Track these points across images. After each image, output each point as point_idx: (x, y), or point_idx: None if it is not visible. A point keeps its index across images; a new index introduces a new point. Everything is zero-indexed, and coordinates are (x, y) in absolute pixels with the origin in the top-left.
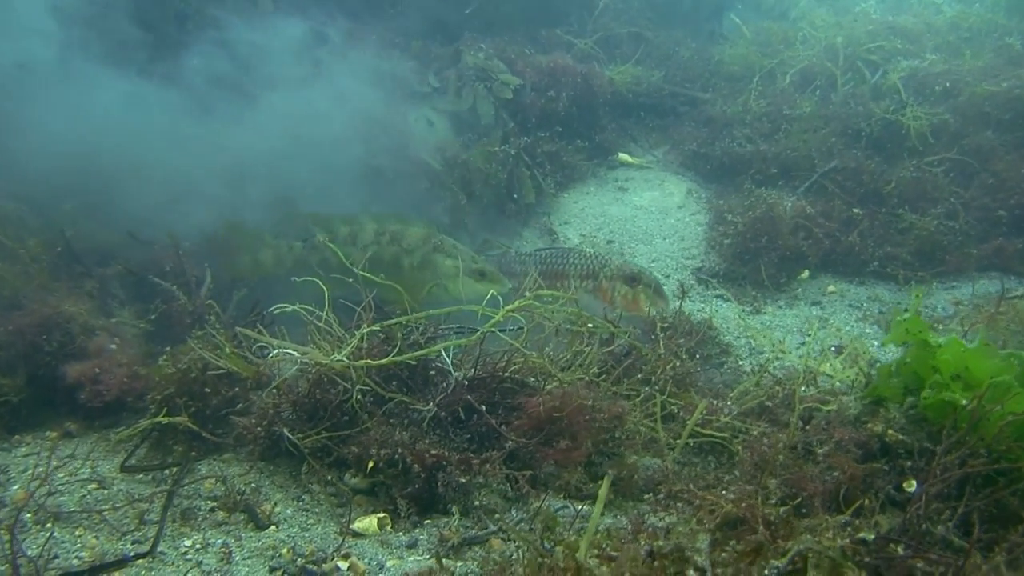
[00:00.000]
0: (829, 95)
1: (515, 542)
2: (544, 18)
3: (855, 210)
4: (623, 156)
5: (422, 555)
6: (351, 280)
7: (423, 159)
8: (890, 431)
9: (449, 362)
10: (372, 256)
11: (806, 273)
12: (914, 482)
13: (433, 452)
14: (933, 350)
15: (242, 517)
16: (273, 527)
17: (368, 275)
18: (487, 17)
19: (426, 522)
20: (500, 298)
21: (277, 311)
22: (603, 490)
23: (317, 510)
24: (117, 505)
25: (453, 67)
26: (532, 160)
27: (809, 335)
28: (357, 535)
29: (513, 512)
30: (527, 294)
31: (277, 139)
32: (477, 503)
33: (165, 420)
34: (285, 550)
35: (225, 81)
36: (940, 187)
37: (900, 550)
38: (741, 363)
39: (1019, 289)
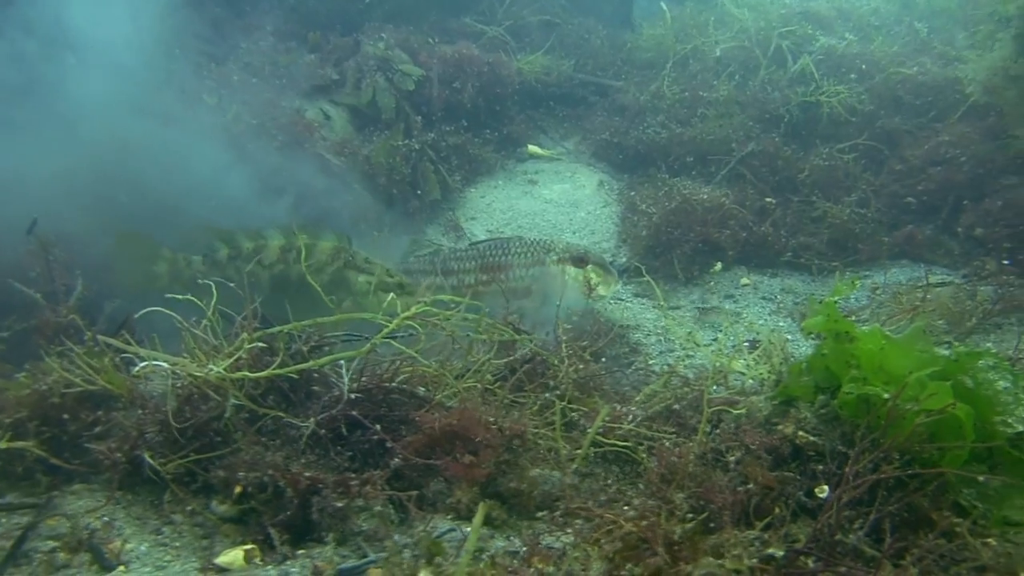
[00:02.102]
0: (746, 80)
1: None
2: (453, 6)
3: (768, 199)
4: (533, 148)
5: None
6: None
7: (320, 155)
8: (801, 433)
9: (341, 373)
10: (279, 275)
11: (719, 266)
12: (826, 487)
13: (308, 474)
14: (850, 343)
15: (86, 558)
16: (121, 568)
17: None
18: (392, 6)
19: (299, 552)
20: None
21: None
22: (477, 519)
23: (178, 544)
24: None
25: (352, 58)
26: (437, 154)
27: (721, 331)
28: (221, 571)
29: (396, 537)
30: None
31: (154, 137)
32: (357, 529)
33: (5, 445)
34: None
35: (95, 72)
36: (852, 175)
37: (811, 563)
38: (651, 363)
39: (931, 277)
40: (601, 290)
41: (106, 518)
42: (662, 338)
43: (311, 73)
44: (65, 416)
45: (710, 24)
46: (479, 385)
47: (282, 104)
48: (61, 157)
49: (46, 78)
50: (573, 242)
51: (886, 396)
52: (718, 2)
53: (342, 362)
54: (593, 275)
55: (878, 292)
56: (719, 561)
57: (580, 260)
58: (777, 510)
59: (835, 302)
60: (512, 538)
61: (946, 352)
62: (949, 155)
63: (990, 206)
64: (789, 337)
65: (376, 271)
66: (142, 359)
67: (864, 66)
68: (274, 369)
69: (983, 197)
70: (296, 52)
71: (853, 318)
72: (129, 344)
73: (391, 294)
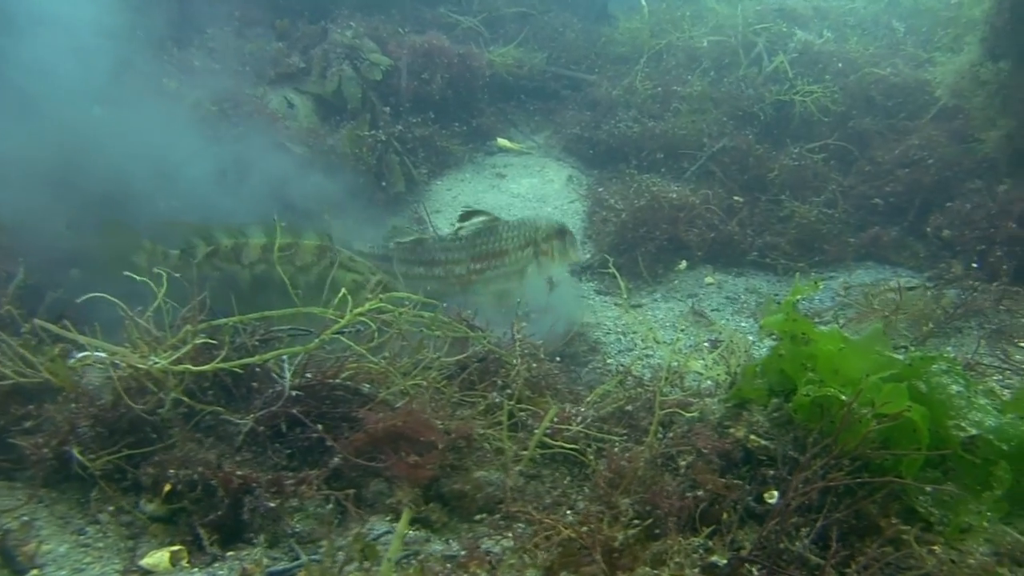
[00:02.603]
0: (721, 77)
1: None
2: None
3: (736, 198)
4: (502, 141)
5: None
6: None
7: (282, 144)
8: (752, 436)
9: (285, 368)
10: (260, 275)
11: (684, 264)
12: (776, 493)
13: (240, 473)
14: (807, 344)
15: None
16: (35, 572)
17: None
18: None
19: (228, 554)
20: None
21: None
22: (401, 524)
23: (101, 545)
24: None
25: (319, 46)
26: (403, 146)
27: (682, 329)
28: (145, 573)
29: (332, 539)
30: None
31: (108, 121)
32: (291, 530)
33: None
34: None
35: (48, 52)
36: (821, 175)
37: (755, 571)
38: (609, 362)
39: (895, 279)
40: (572, 256)
41: (25, 517)
42: (622, 336)
43: (277, 61)
44: None
45: (685, 19)
46: (427, 383)
47: (245, 91)
48: (5, 140)
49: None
50: (543, 215)
51: (844, 398)
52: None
53: (285, 357)
54: (569, 245)
55: (842, 294)
56: (656, 571)
57: (561, 232)
58: (725, 516)
59: (795, 301)
60: (451, 542)
61: (901, 356)
62: (917, 157)
63: (960, 208)
64: (751, 338)
65: (362, 269)
66: (81, 348)
67: (840, 64)
68: (217, 363)
69: (949, 200)
70: (263, 39)
71: (816, 320)
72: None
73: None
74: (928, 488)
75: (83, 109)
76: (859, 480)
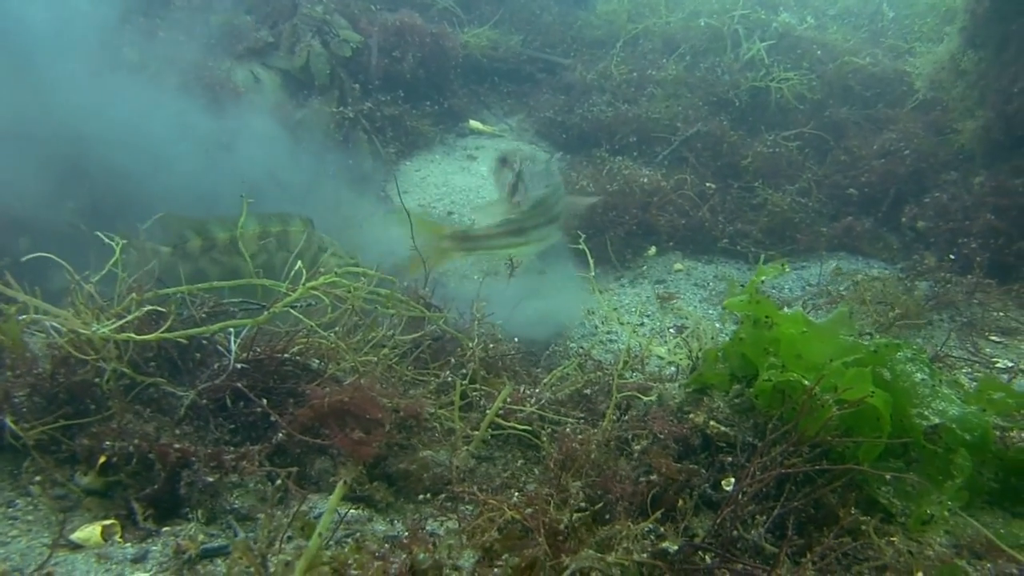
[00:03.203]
0: (696, 63)
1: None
2: None
3: (708, 184)
4: (474, 123)
5: (150, 571)
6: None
7: (245, 119)
8: (712, 422)
9: (231, 341)
10: (262, 265)
11: (653, 250)
12: (732, 480)
13: (177, 446)
14: (770, 329)
15: None
16: None
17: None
18: None
19: (164, 529)
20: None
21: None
22: (334, 499)
23: (31, 518)
24: None
25: (288, 20)
26: (372, 124)
27: (644, 316)
28: (75, 547)
29: (269, 516)
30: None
31: (60, 90)
32: (230, 507)
33: None
34: None
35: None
36: (796, 163)
37: (708, 559)
38: (571, 345)
39: (867, 270)
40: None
41: None
42: (585, 321)
43: (244, 35)
44: None
45: (663, 4)
46: (378, 360)
47: (209, 64)
48: None
49: None
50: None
51: (807, 383)
52: None
53: (232, 330)
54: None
55: (809, 286)
56: (601, 555)
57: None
58: (680, 503)
59: (758, 283)
60: (395, 522)
61: (866, 342)
62: (893, 148)
63: (936, 200)
64: (718, 326)
65: (342, 252)
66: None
67: (819, 52)
68: (160, 333)
69: (924, 191)
70: (230, 12)
71: (785, 309)
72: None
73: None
74: (888, 476)
75: (34, 77)
76: (818, 468)
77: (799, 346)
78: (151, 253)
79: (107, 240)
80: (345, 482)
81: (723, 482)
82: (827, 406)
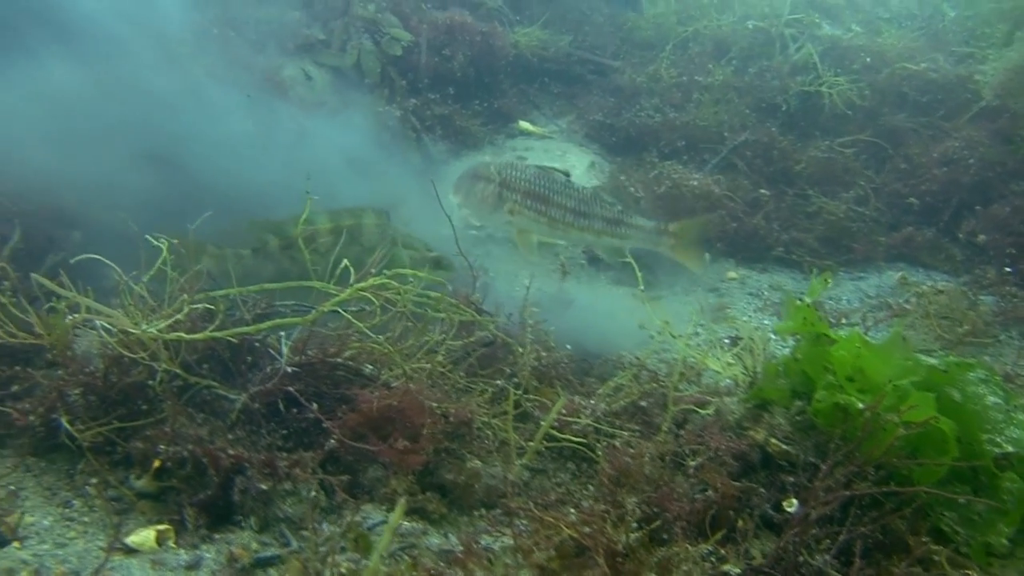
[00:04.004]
0: (746, 66)
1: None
2: None
3: (762, 190)
4: (524, 124)
5: None
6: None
7: (296, 115)
8: (772, 440)
9: (282, 344)
10: (336, 261)
11: (706, 257)
12: (795, 501)
13: (231, 452)
14: (826, 346)
15: None
16: (16, 543)
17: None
18: None
19: (217, 536)
20: None
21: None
22: (395, 516)
23: (87, 519)
24: None
25: (341, 18)
26: (421, 123)
27: (701, 325)
28: (130, 551)
29: (325, 527)
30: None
31: (119, 89)
32: (283, 515)
33: None
34: (25, 574)
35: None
36: (852, 170)
37: None
38: (622, 354)
39: (928, 282)
40: None
41: (12, 487)
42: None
43: (296, 32)
44: None
45: (713, 7)
46: (429, 366)
47: (261, 61)
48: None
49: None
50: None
51: (861, 406)
52: None
53: (283, 333)
54: None
55: (871, 297)
56: None
57: None
58: (740, 523)
59: (812, 304)
60: (449, 535)
61: (934, 361)
62: (956, 156)
63: (997, 212)
64: (773, 336)
65: (418, 246)
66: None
67: (868, 59)
68: (210, 332)
69: (989, 202)
70: (282, 9)
71: (843, 321)
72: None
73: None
74: (962, 500)
75: (94, 73)
76: (885, 491)
77: (855, 365)
78: (233, 257)
79: (154, 242)
80: (406, 499)
81: (784, 503)
82: (890, 427)
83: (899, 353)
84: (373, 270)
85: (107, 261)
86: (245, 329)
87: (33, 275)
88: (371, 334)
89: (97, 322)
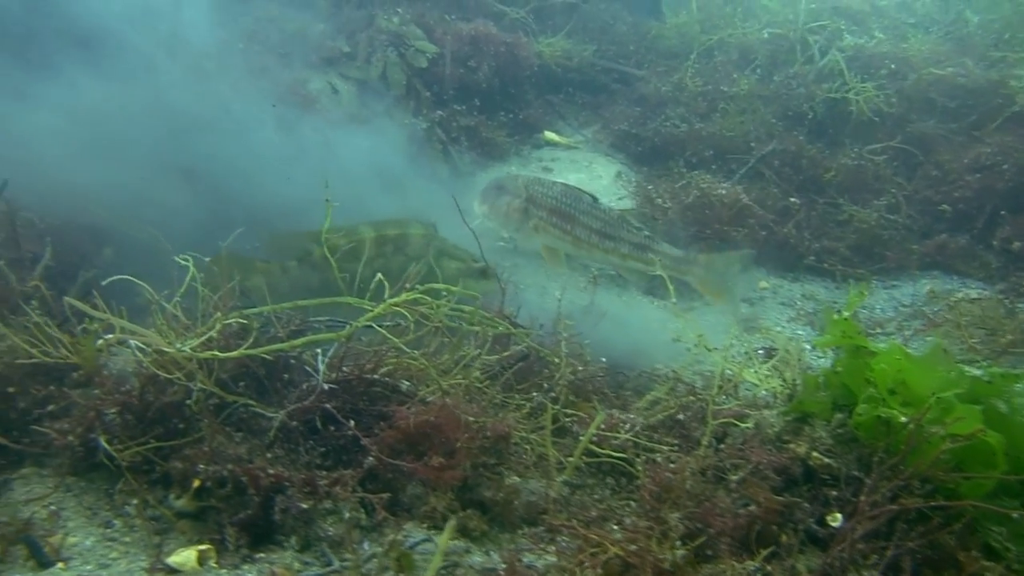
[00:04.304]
0: (771, 75)
1: None
2: None
3: (792, 199)
4: (549, 135)
5: None
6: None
7: (322, 128)
8: (814, 453)
9: (319, 361)
10: (380, 270)
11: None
12: (839, 516)
13: (271, 471)
14: (867, 359)
15: (22, 552)
16: (61, 564)
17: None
18: None
19: (258, 556)
20: None
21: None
22: (444, 538)
23: (128, 539)
24: None
25: (365, 31)
26: (447, 135)
27: (734, 335)
28: (172, 572)
29: (366, 545)
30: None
31: (146, 104)
32: (324, 534)
33: None
34: None
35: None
36: (882, 177)
37: None
38: (656, 366)
39: (963, 290)
40: None
41: (53, 507)
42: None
43: (321, 45)
44: (11, 389)
45: (737, 15)
46: (466, 381)
47: (285, 74)
48: (54, 117)
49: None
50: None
51: (903, 420)
52: None
53: (319, 350)
54: None
55: (906, 306)
56: None
57: None
58: (783, 538)
59: (849, 318)
60: (492, 553)
61: (977, 372)
62: (989, 162)
63: None
64: (807, 347)
65: (464, 257)
66: (109, 330)
67: (893, 65)
68: (244, 349)
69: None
70: (306, 21)
71: (878, 331)
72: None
73: (476, 281)
74: (1015, 515)
75: (124, 89)
76: (934, 505)
77: (897, 379)
78: (278, 271)
79: (183, 262)
80: (453, 517)
81: (828, 517)
82: (936, 440)
83: (941, 365)
84: (408, 285)
85: (138, 281)
86: (280, 346)
87: (66, 298)
88: (407, 349)
89: (131, 341)
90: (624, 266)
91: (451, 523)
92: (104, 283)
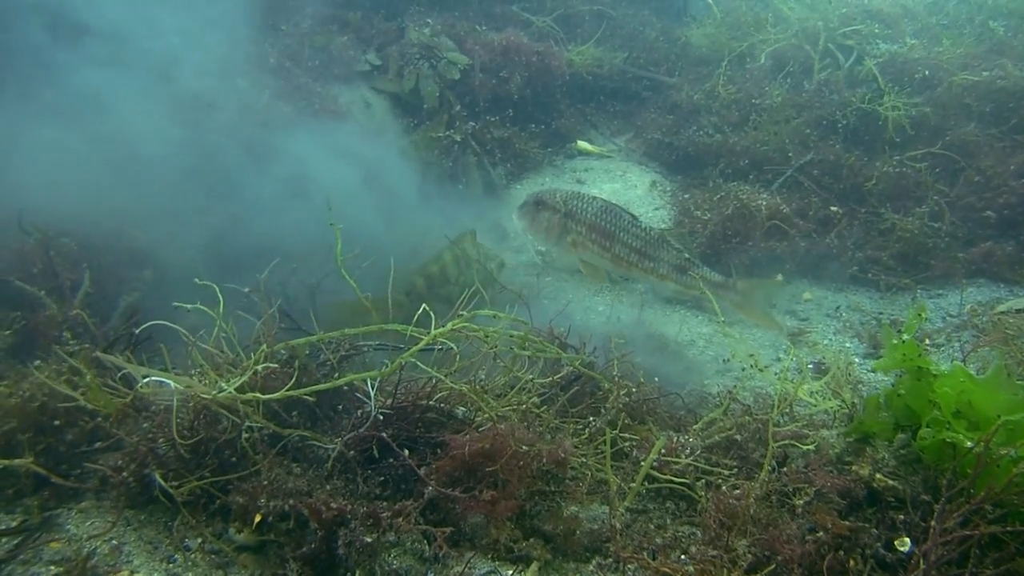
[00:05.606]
0: (802, 82)
1: None
2: None
3: (833, 208)
4: (582, 144)
5: None
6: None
7: (356, 144)
8: (879, 475)
9: (370, 388)
10: (464, 284)
11: (780, 277)
12: (907, 540)
13: (333, 505)
14: (930, 380)
15: None
16: None
17: None
18: None
19: None
20: None
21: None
22: None
23: (191, 574)
24: None
25: (396, 44)
26: (481, 147)
27: (785, 352)
28: None
29: None
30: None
31: (169, 125)
32: (388, 567)
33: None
34: None
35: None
36: (924, 184)
37: None
38: (706, 383)
39: (1010, 299)
40: None
41: (114, 542)
42: (719, 357)
43: (352, 58)
44: (58, 423)
45: (767, 22)
46: (522, 407)
47: (318, 90)
48: (85, 137)
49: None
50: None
51: (969, 444)
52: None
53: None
54: None
55: (953, 316)
56: None
57: None
58: (852, 563)
59: (912, 340)
60: None
61: None
62: None
63: None
64: (856, 360)
65: (495, 255)
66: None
67: (927, 72)
68: (286, 391)
69: None
70: (336, 35)
71: (927, 342)
72: (133, 356)
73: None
74: None
75: (152, 109)
76: (1011, 531)
77: (960, 401)
78: (395, 306)
79: (207, 310)
80: (535, 561)
81: (896, 542)
82: (1006, 464)
83: (1006, 386)
84: (463, 312)
85: (173, 324)
86: (323, 386)
87: (98, 354)
88: (454, 379)
89: (171, 384)
90: (661, 286)
91: (533, 567)
92: (138, 331)
